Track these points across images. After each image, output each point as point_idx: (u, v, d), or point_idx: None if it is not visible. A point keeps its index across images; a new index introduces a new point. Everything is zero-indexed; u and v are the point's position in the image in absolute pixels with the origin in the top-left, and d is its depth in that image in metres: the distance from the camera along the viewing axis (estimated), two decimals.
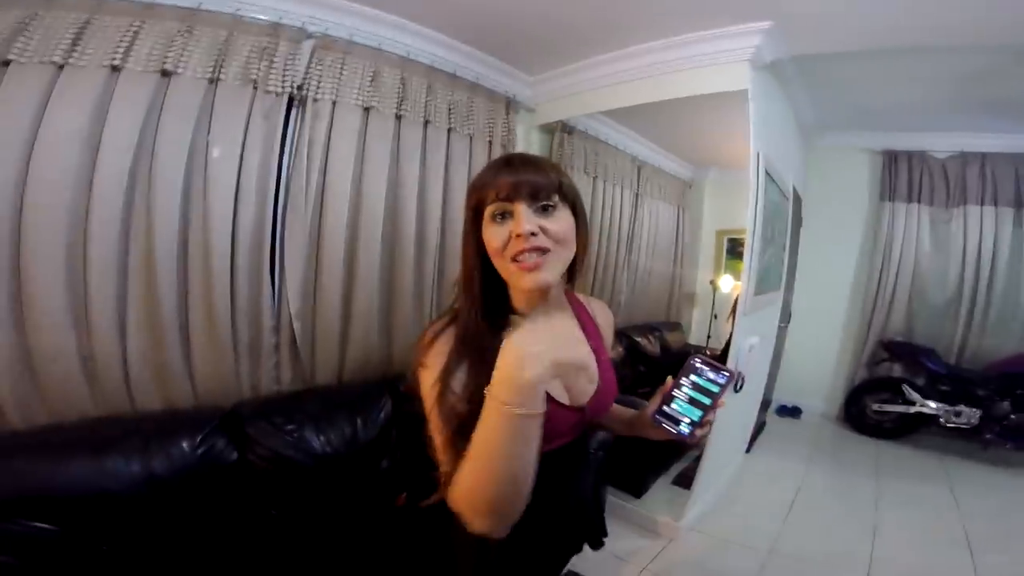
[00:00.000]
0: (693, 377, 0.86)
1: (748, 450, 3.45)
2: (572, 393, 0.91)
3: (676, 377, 0.88)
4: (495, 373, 0.69)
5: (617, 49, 2.44)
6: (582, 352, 0.95)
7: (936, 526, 2.63)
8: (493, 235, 0.80)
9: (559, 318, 0.95)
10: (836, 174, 4.12)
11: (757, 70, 2.29)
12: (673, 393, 0.87)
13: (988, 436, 3.38)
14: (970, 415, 3.43)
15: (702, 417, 0.84)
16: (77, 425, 1.54)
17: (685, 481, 2.69)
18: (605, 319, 1.07)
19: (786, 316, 3.66)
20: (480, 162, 2.47)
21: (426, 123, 2.29)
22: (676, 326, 3.69)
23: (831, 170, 4.11)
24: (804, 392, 4.32)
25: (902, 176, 3.97)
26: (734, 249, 3.41)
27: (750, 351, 2.56)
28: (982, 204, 3.80)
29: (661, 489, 2.81)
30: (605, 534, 1.09)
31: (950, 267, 3.91)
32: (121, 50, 1.61)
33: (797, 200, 3.50)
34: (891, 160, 4.00)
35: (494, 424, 0.69)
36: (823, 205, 4.08)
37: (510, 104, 2.58)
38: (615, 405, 1.08)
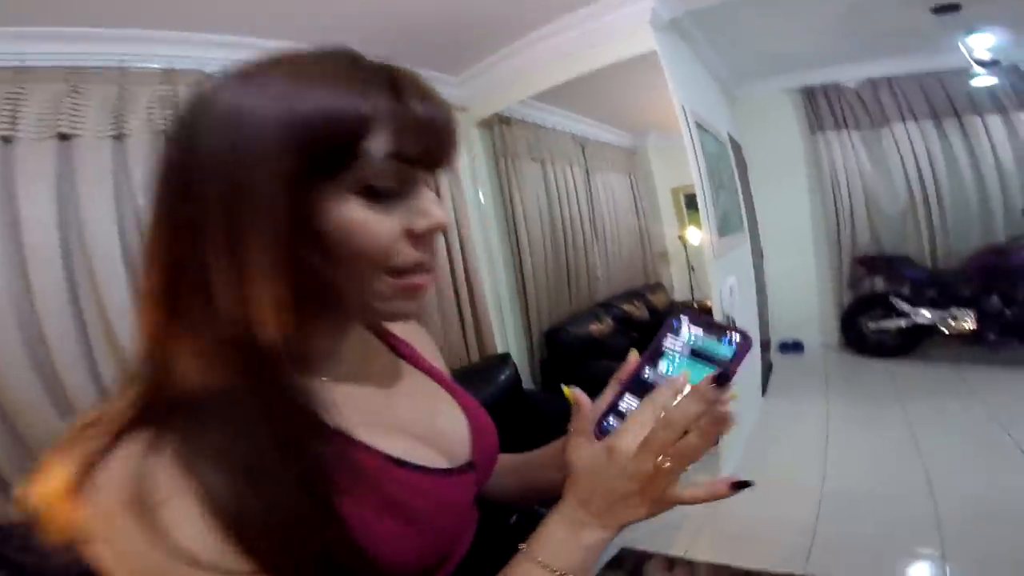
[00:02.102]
0: (672, 347, 0.50)
1: (763, 393, 3.39)
2: (445, 448, 0.54)
3: (646, 352, 0.51)
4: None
5: (528, 34, 2.48)
6: (438, 400, 0.61)
7: (981, 440, 2.48)
8: (374, 227, 0.40)
9: (395, 373, 0.59)
10: (764, 118, 4.25)
11: (660, 31, 2.35)
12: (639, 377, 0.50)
13: (992, 337, 3.29)
14: (966, 317, 3.36)
15: None
16: None
17: None
18: (417, 333, 0.72)
19: (758, 254, 3.70)
20: None
21: None
22: (658, 287, 3.67)
23: (759, 115, 4.24)
24: (800, 326, 4.27)
25: (823, 108, 4.12)
26: (692, 203, 3.43)
27: (731, 293, 2.54)
28: (904, 121, 3.96)
29: None
30: None
31: (895, 180, 4.02)
32: (5, 118, 1.48)
33: (736, 146, 3.61)
34: (809, 96, 4.16)
35: None
36: (762, 147, 4.20)
37: None
38: (500, 456, 0.70)
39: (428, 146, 0.42)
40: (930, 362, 3.58)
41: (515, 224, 2.81)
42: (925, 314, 3.51)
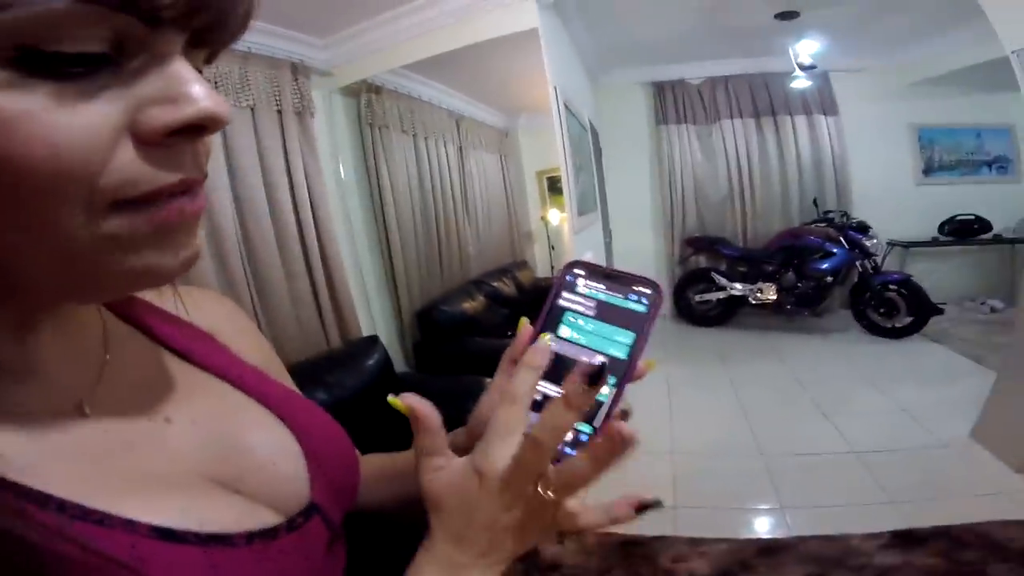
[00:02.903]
0: (571, 306, 0.39)
1: None
2: (264, 494, 0.37)
3: (539, 317, 0.40)
4: None
5: (407, 1, 2.34)
6: (249, 419, 0.41)
7: (787, 397, 2.95)
8: (41, 121, 0.21)
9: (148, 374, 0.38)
10: (620, 107, 4.58)
11: (543, 8, 2.35)
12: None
13: (788, 307, 3.92)
14: (768, 289, 3.94)
15: (613, 398, 0.36)
16: None
17: None
18: (226, 318, 0.50)
19: (607, 233, 3.99)
20: (271, 134, 2.14)
21: None
22: (523, 264, 3.77)
23: (616, 104, 4.56)
24: None
25: (669, 102, 4.54)
26: (553, 186, 3.60)
27: None
28: (732, 118, 4.53)
29: None
30: None
31: (719, 171, 4.60)
32: None
33: (594, 132, 3.80)
34: (659, 90, 4.55)
35: None
36: (616, 134, 4.51)
37: (297, 69, 2.31)
38: (368, 457, 0.56)
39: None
40: (743, 329, 4.22)
41: (381, 198, 2.64)
42: (737, 287, 4.08)
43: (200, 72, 0.27)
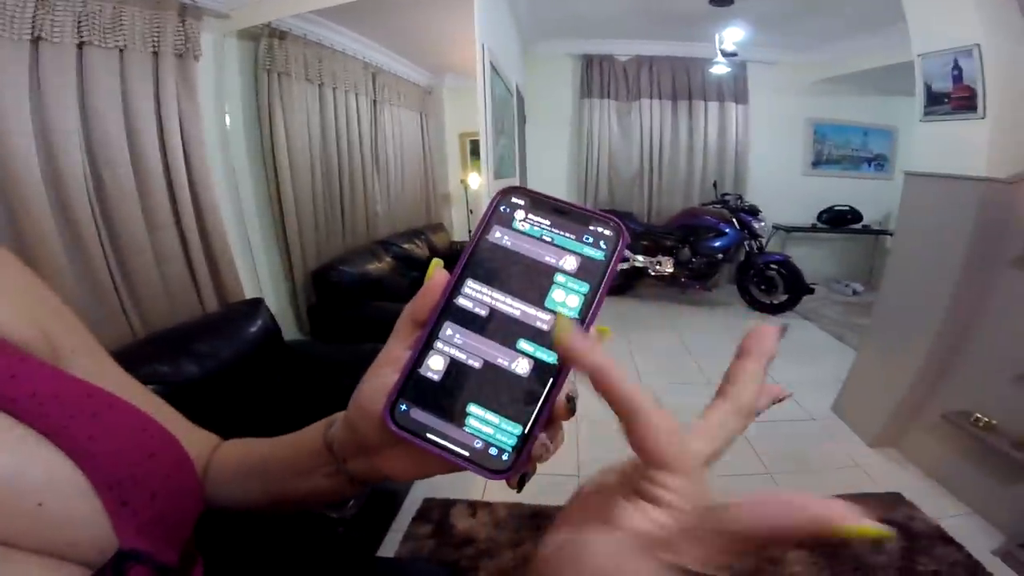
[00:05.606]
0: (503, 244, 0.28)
1: None
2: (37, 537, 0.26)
3: (463, 261, 0.28)
4: None
5: None
6: None
7: (678, 367, 2.93)
8: None
9: None
10: (549, 77, 4.37)
11: None
12: (448, 325, 0.27)
13: (683, 280, 3.99)
14: (666, 263, 3.98)
15: (548, 395, 0.27)
16: None
17: None
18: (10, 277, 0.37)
19: None
20: (141, 77, 1.74)
21: (38, 40, 1.46)
22: (439, 227, 3.54)
23: (545, 73, 4.34)
24: None
25: (595, 76, 4.35)
26: (476, 150, 3.37)
27: None
28: (651, 98, 4.43)
29: None
30: None
31: (633, 148, 4.53)
32: None
33: (520, 99, 3.58)
34: (588, 63, 4.34)
35: None
36: (541, 103, 4.34)
37: (186, 10, 1.88)
38: (236, 444, 0.44)
39: None
40: (642, 300, 4.28)
41: (275, 149, 2.25)
42: (639, 259, 4.08)
43: None
